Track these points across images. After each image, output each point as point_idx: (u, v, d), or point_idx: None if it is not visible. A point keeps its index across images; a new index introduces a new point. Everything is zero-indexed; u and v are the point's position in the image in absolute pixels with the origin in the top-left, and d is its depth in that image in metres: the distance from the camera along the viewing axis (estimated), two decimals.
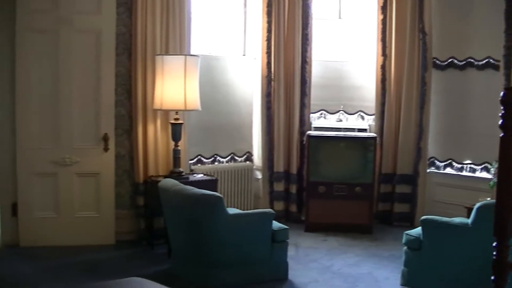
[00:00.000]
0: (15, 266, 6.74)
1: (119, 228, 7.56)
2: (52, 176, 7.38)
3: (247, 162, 8.89)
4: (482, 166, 8.19)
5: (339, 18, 9.15)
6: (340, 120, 8.78)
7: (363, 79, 8.96)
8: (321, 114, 8.96)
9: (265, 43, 8.46)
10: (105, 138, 7.37)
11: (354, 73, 9.03)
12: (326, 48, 9.10)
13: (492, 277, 3.16)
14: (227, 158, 8.72)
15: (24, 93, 7.27)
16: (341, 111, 8.89)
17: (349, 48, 9.15)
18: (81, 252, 7.19)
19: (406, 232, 6.06)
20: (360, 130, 8.49)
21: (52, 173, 7.37)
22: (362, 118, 8.96)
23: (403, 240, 6.02)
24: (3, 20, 7.24)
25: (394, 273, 6.40)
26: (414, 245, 5.90)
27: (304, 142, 8.37)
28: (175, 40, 7.61)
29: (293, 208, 8.66)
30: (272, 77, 8.47)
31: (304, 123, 8.59)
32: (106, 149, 7.39)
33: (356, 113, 8.97)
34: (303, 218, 8.49)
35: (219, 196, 5.94)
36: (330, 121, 8.85)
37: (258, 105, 8.66)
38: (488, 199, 6.62)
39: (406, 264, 6.01)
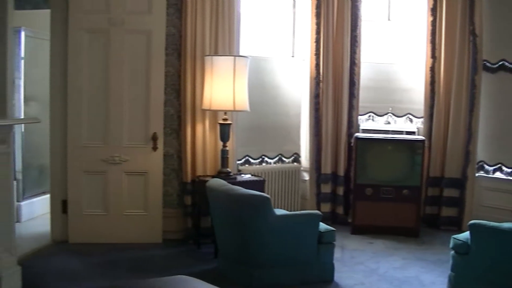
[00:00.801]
0: (65, 262, 6.85)
1: (166, 227, 7.63)
2: (102, 174, 7.48)
3: (295, 163, 8.90)
4: None
5: (388, 19, 9.09)
6: (389, 123, 8.74)
7: (412, 82, 8.88)
8: (369, 116, 8.92)
9: (314, 44, 8.45)
10: (154, 138, 7.45)
11: (403, 75, 8.96)
12: (375, 50, 9.05)
13: None
14: (275, 159, 8.75)
15: (75, 92, 7.39)
16: (389, 114, 8.84)
17: (398, 50, 9.09)
18: (128, 249, 7.27)
19: (454, 236, 5.98)
20: (408, 132, 8.42)
21: (102, 171, 7.47)
22: (411, 120, 8.90)
23: (451, 245, 5.94)
24: (55, 20, 7.38)
25: (440, 278, 6.34)
26: (461, 249, 5.82)
27: (352, 144, 8.33)
28: (224, 41, 7.65)
29: (340, 210, 8.63)
30: (321, 79, 8.46)
31: (352, 125, 8.56)
32: (155, 148, 7.47)
33: (405, 115, 8.91)
34: (349, 220, 8.46)
35: (266, 196, 5.96)
36: (378, 123, 8.81)
37: (306, 107, 8.67)
38: None
39: (453, 268, 5.93)
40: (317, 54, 8.44)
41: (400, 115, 8.89)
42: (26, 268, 5.96)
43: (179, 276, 4.43)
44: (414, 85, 8.84)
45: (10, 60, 5.86)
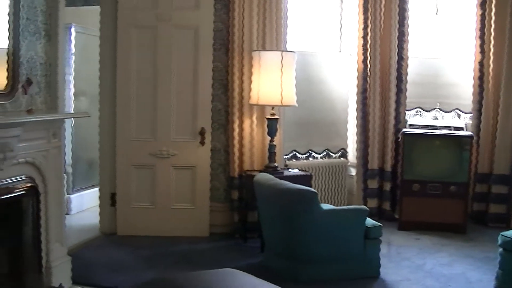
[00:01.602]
0: (113, 253, 6.95)
1: (213, 221, 7.69)
2: (150, 168, 7.58)
3: (342, 158, 8.89)
4: None
5: (436, 14, 9.02)
6: (436, 118, 8.68)
7: (460, 76, 8.80)
8: (416, 111, 8.86)
9: (361, 39, 8.42)
10: (202, 132, 7.51)
11: (451, 70, 8.89)
12: (423, 45, 8.98)
13: None
14: (322, 154, 8.75)
15: (124, 87, 7.49)
16: (437, 109, 8.77)
17: (446, 44, 9.02)
18: (175, 242, 7.35)
19: (502, 233, 5.88)
20: (456, 128, 8.34)
21: (150, 165, 7.56)
22: (459, 116, 8.83)
23: (499, 242, 5.85)
24: (105, 16, 7.49)
25: (488, 275, 6.26)
26: (510, 246, 5.73)
27: (399, 140, 8.29)
28: (271, 36, 7.66)
29: (387, 205, 8.59)
30: (368, 74, 8.43)
31: (400, 120, 8.51)
32: (202, 142, 7.52)
33: (453, 111, 8.83)
34: (396, 216, 8.42)
35: (313, 191, 5.96)
36: (426, 119, 8.75)
37: (353, 102, 8.65)
38: None
39: (501, 266, 5.84)
40: (365, 49, 8.40)
41: (448, 110, 8.82)
42: (75, 258, 6.07)
43: (226, 269, 4.47)
44: (462, 80, 8.77)
45: (61, 56, 5.96)
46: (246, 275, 4.27)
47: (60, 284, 5.20)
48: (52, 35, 5.68)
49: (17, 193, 5.01)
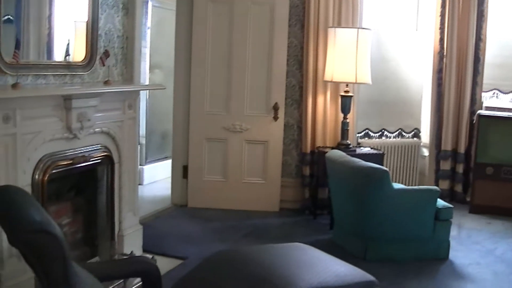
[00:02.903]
0: (183, 225, 7.06)
1: (284, 196, 7.73)
2: (222, 141, 7.64)
3: (415, 138, 8.78)
4: None
5: None
6: None
7: None
8: (493, 93, 8.68)
9: (439, 18, 8.27)
10: (275, 107, 7.53)
11: None
12: (503, 25, 8.77)
13: None
14: (395, 134, 8.67)
15: (199, 61, 7.55)
16: None
17: None
18: (245, 216, 7.41)
19: None
20: None
21: (223, 138, 7.63)
22: None
23: None
24: None
25: None
26: None
27: (474, 122, 8.15)
28: (347, 13, 7.60)
29: (459, 188, 8.46)
30: (444, 54, 8.28)
31: (475, 102, 8.34)
32: (275, 118, 7.55)
33: None
34: (468, 199, 8.29)
35: (385, 169, 5.92)
36: (503, 101, 8.57)
37: (428, 82, 8.52)
38: None
39: None
40: (442, 29, 8.26)
41: None
42: (147, 228, 6.18)
43: (295, 243, 4.49)
44: None
45: (138, 30, 6.05)
46: (315, 249, 4.28)
47: (132, 252, 5.30)
48: (129, 9, 5.77)
49: (93, 162, 5.11)
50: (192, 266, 4.37)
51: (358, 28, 7.36)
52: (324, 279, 3.59)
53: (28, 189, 4.33)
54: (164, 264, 5.36)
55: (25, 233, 2.74)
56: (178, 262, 5.81)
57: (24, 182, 4.28)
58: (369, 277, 3.80)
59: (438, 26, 8.26)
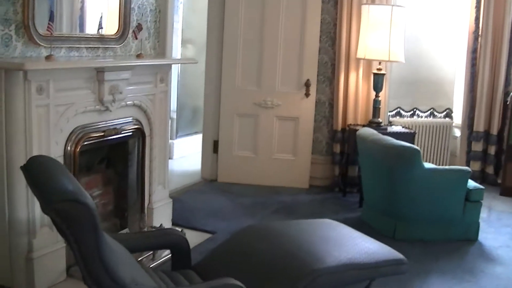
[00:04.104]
0: (213, 199, 7.10)
1: (314, 173, 7.73)
2: (253, 117, 7.65)
3: (447, 118, 8.70)
4: None
5: None
6: None
7: None
8: None
9: None
10: (307, 84, 7.51)
11: None
12: None
13: None
14: (427, 113, 8.60)
15: (231, 36, 7.55)
16: None
17: None
18: (275, 192, 7.43)
19: None
20: None
21: (254, 114, 7.63)
22: None
23: None
24: None
25: None
26: None
27: (508, 103, 8.05)
28: None
29: (490, 170, 8.37)
30: (480, 33, 8.17)
31: (510, 83, 8.21)
32: (307, 94, 7.53)
33: None
34: (499, 181, 8.20)
35: (416, 148, 5.88)
36: None
37: (462, 61, 8.43)
38: None
39: None
40: (478, 7, 8.12)
41: None
42: (176, 202, 6.25)
43: (325, 219, 4.49)
44: None
45: (171, 4, 6.06)
46: (344, 226, 4.28)
47: (161, 225, 5.33)
48: None
49: (124, 135, 5.15)
50: (220, 240, 4.40)
51: (392, 5, 7.29)
52: (353, 255, 3.59)
53: (60, 160, 4.38)
54: (193, 238, 5.37)
55: (57, 202, 2.76)
56: (207, 236, 5.84)
57: (56, 153, 4.33)
58: (398, 255, 3.80)
59: (474, 5, 8.13)
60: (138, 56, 5.22)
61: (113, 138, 5.01)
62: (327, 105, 7.73)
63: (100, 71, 4.65)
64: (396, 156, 5.86)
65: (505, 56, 8.06)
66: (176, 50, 8.69)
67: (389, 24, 6.97)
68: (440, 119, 8.63)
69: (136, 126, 5.26)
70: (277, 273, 3.51)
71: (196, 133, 9.16)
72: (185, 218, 6.21)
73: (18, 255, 4.31)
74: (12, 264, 4.34)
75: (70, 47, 4.74)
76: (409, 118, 8.42)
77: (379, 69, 7.25)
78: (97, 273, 2.88)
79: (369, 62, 7.48)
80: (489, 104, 8.22)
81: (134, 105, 5.20)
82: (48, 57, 4.26)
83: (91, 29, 5.10)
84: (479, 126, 8.24)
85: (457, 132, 8.61)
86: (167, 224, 5.74)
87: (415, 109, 8.49)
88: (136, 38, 5.29)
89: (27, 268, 4.31)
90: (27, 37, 4.30)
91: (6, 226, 4.26)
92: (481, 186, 6.22)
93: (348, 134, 7.42)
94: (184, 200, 6.88)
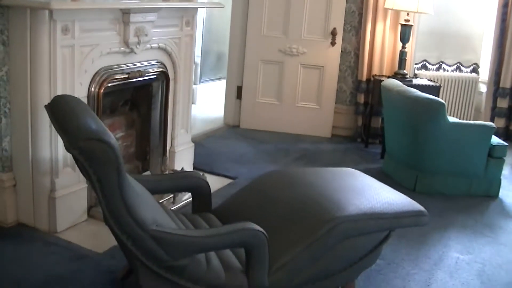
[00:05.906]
0: (235, 145, 7.13)
1: (336, 123, 7.73)
2: (278, 64, 7.62)
3: (473, 73, 8.59)
4: None
5: None
6: None
7: None
8: None
9: None
10: (333, 33, 7.45)
11: None
12: None
13: None
14: (453, 67, 8.51)
15: None
16: None
17: None
18: (297, 140, 7.47)
19: None
20: None
21: (278, 61, 7.60)
22: None
23: None
24: None
25: None
26: None
27: None
28: None
29: None
30: None
31: None
32: (333, 43, 7.48)
33: None
34: None
35: (441, 101, 5.82)
36: None
37: (492, 16, 8.30)
38: None
39: None
40: None
41: None
42: (198, 146, 6.28)
43: (347, 168, 4.49)
44: None
45: None
46: (366, 175, 4.27)
47: (182, 168, 5.36)
48: None
49: (148, 77, 5.14)
50: (241, 186, 4.40)
51: None
52: (374, 205, 3.58)
53: (84, 100, 4.39)
54: (214, 183, 5.40)
55: (81, 140, 2.78)
56: (228, 181, 5.88)
57: (80, 93, 4.34)
58: (419, 207, 3.78)
59: None
60: None
61: (137, 81, 5.00)
62: (353, 55, 7.67)
63: (125, 12, 4.62)
64: (421, 109, 5.82)
65: None
66: None
67: None
68: (466, 73, 8.52)
69: (160, 69, 5.24)
70: (297, 219, 3.51)
71: (219, 78, 9.15)
72: (207, 163, 6.23)
73: (40, 194, 4.36)
74: (35, 203, 4.39)
75: None
76: (434, 72, 8.33)
77: (407, 20, 7.16)
78: (119, 212, 2.90)
79: (397, 13, 7.39)
80: None
81: (159, 48, 5.18)
82: None
83: None
84: (506, 82, 8.13)
85: (483, 88, 8.52)
86: (189, 169, 5.78)
87: (441, 63, 8.40)
88: None
89: (49, 207, 4.36)
90: None
91: (29, 165, 4.31)
92: (505, 143, 6.16)
93: (373, 85, 7.37)
94: (206, 145, 6.90)
